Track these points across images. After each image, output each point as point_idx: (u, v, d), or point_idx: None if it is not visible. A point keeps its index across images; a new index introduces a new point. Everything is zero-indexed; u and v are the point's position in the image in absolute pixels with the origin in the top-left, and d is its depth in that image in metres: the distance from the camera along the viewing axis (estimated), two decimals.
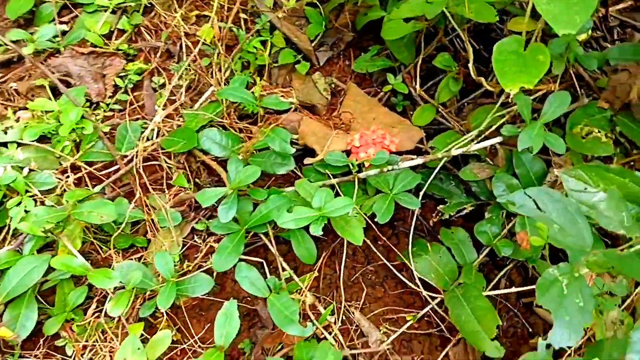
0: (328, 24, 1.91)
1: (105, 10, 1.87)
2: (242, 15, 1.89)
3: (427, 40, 1.75)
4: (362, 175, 1.34)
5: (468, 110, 1.78)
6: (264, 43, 1.83)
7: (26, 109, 1.59)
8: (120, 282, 1.25)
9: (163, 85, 1.76)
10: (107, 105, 1.71)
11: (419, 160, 1.36)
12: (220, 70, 1.68)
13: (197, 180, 1.54)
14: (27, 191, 1.36)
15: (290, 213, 1.18)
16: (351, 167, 1.34)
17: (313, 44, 1.89)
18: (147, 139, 1.55)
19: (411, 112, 1.75)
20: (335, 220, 1.22)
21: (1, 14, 1.89)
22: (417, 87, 1.66)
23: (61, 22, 1.89)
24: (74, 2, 1.89)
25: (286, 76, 1.87)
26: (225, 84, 1.65)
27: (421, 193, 1.41)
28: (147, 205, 1.45)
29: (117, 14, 1.89)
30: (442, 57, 1.64)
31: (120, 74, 1.77)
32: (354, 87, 1.76)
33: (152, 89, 1.76)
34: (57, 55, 1.79)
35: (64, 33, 1.85)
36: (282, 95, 1.43)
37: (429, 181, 1.43)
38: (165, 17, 1.89)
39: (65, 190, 1.40)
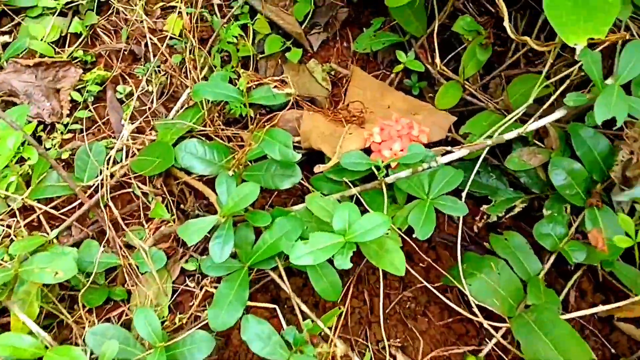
0: (318, 0, 1.62)
1: (53, 13, 1.56)
2: (215, 1, 1.58)
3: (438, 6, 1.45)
4: (390, 179, 1.04)
5: (495, 85, 1.48)
6: (244, 30, 1.53)
7: None
8: (94, 354, 0.96)
9: (131, 95, 1.46)
10: (65, 125, 1.41)
11: (463, 152, 1.06)
12: (195, 67, 1.38)
13: (182, 207, 1.24)
14: None
15: (305, 243, 0.88)
16: (375, 171, 1.04)
17: (303, 27, 1.59)
18: (115, 162, 1.25)
19: (430, 95, 1.46)
20: (365, 245, 0.92)
21: None
22: (437, 61, 1.36)
23: (1, 33, 1.59)
24: (14, 8, 1.58)
25: (276, 68, 1.57)
26: None
27: (464, 194, 1.11)
28: (122, 247, 1.16)
29: (68, 16, 1.58)
30: (464, 20, 1.34)
31: (78, 86, 1.47)
32: (359, 71, 1.46)
33: (118, 101, 1.46)
34: None
35: (5, 46, 1.54)
36: (275, 87, 1.13)
37: (471, 177, 1.13)
38: (125, 14, 1.59)
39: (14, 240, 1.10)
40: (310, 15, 1.60)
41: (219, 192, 1.02)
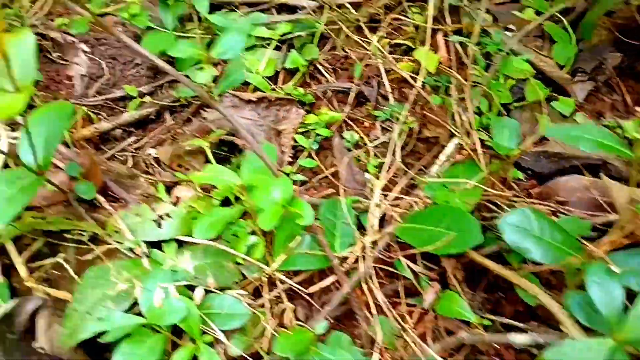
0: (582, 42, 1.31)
1: (267, 45, 1.35)
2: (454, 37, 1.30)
3: None
4: None
5: None
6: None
7: (179, 183, 1.05)
8: None
9: (360, 146, 1.18)
10: (287, 175, 1.15)
11: None
12: (466, 109, 1.07)
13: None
14: (203, 332, 0.78)
15: None
16: None
17: (563, 72, 1.28)
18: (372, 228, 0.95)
19: None
20: None
21: (133, 61, 1.40)
22: None
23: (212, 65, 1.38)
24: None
25: (531, 121, 1.25)
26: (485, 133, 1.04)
27: None
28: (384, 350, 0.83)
29: (282, 50, 1.36)
30: None
31: (299, 130, 1.22)
32: None
33: (346, 149, 1.19)
34: (206, 108, 1.27)
35: (215, 80, 1.33)
36: None
37: None
38: (348, 50, 1.34)
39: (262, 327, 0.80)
40: (572, 60, 1.29)
41: (597, 297, 0.66)
